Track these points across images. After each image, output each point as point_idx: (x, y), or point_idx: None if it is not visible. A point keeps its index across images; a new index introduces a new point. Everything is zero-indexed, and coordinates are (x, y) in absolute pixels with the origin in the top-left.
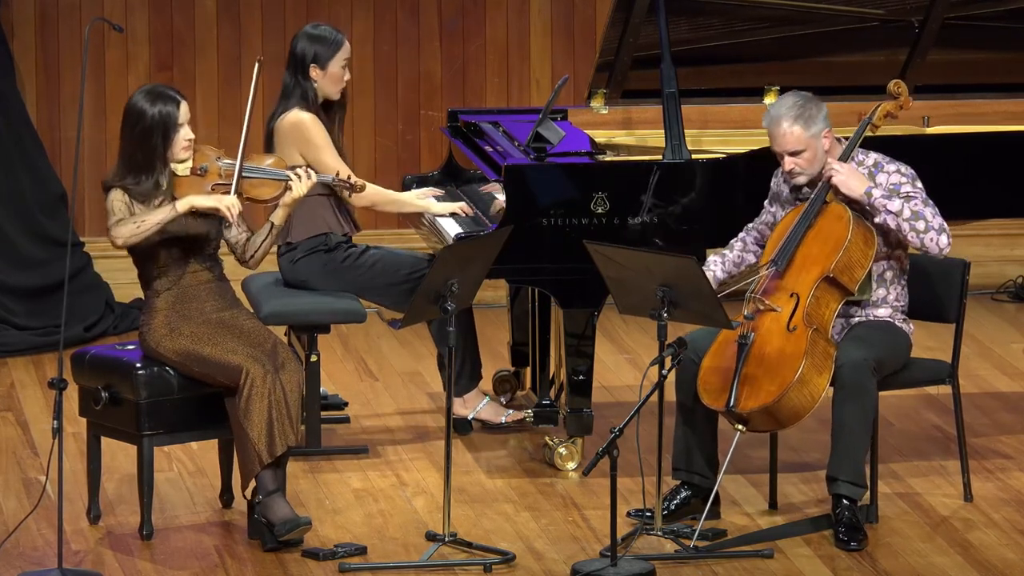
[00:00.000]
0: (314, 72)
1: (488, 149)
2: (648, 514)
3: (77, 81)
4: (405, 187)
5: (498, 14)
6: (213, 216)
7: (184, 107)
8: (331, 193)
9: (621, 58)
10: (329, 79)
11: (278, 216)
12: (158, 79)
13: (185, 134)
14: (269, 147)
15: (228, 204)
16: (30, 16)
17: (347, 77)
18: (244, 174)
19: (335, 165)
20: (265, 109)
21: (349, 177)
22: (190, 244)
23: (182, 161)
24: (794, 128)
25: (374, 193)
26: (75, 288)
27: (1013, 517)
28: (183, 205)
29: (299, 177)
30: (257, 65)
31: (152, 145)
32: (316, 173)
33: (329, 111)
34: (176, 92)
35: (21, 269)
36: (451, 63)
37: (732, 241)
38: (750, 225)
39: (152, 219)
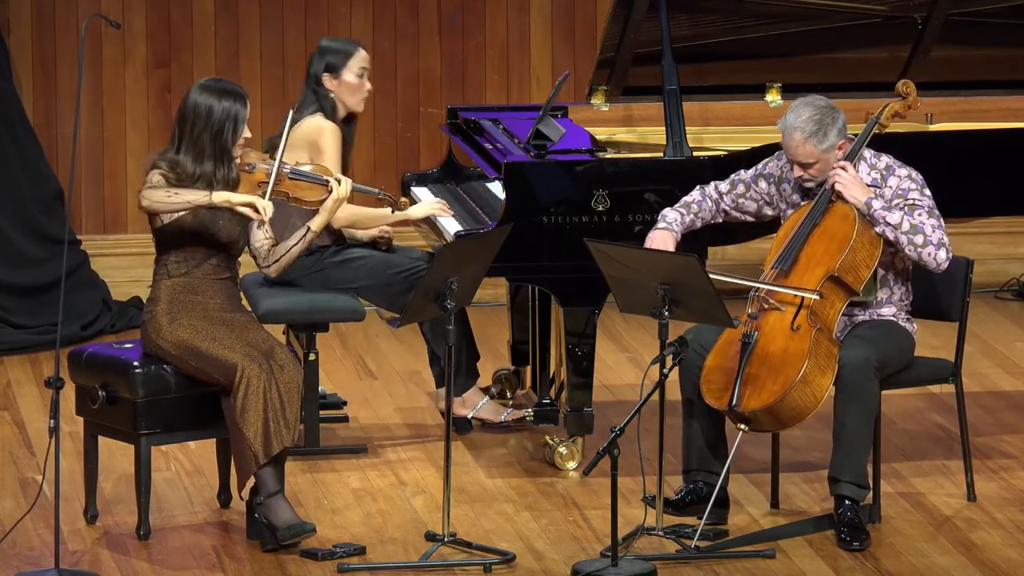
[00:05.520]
0: (329, 82)
1: (488, 146)
2: (666, 497)
3: (74, 78)
4: (405, 185)
5: (498, 10)
6: (244, 220)
7: (249, 105)
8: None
9: (622, 55)
10: (345, 88)
11: (316, 222)
12: (156, 76)
13: (245, 131)
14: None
15: (263, 205)
16: (27, 12)
17: (368, 87)
18: (290, 176)
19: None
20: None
21: (397, 200)
22: (216, 243)
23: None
24: (807, 145)
25: (354, 211)
26: (72, 286)
27: (1016, 517)
28: (219, 197)
29: (339, 182)
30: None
31: (224, 139)
32: (354, 183)
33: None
34: (240, 88)
35: (18, 267)
36: (451, 60)
37: (688, 200)
38: (716, 193)
39: (185, 196)
